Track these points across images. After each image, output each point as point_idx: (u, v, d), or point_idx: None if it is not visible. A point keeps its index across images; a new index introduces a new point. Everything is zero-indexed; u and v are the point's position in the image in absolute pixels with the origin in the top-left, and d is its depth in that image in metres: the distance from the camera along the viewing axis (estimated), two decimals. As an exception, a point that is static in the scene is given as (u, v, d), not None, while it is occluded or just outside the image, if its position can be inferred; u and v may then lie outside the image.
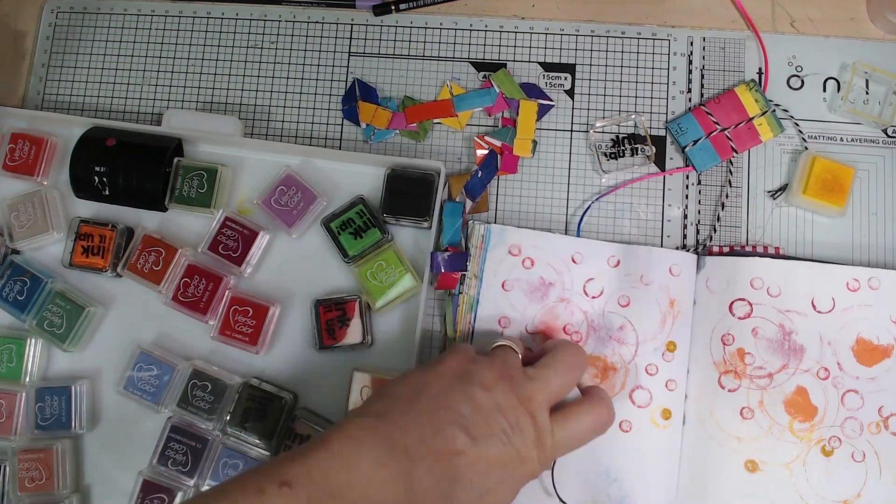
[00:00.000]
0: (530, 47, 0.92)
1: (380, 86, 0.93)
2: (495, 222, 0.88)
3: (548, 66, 0.92)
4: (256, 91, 0.93)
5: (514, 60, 0.92)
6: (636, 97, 0.91)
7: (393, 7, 0.93)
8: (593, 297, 0.84)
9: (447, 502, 0.66)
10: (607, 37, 0.92)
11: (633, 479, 0.80)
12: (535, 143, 0.90)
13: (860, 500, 0.79)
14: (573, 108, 0.91)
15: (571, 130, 0.90)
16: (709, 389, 0.81)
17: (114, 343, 0.88)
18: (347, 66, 0.93)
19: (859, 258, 0.86)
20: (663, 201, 0.88)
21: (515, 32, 0.93)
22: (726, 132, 0.87)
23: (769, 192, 0.87)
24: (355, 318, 0.84)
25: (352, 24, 0.94)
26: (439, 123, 0.91)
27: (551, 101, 0.91)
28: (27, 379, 0.87)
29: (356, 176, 0.89)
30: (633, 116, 0.90)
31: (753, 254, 0.84)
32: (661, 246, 0.87)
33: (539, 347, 0.81)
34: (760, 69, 0.90)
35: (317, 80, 0.93)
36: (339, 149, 0.91)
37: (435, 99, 0.92)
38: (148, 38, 0.96)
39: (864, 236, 0.86)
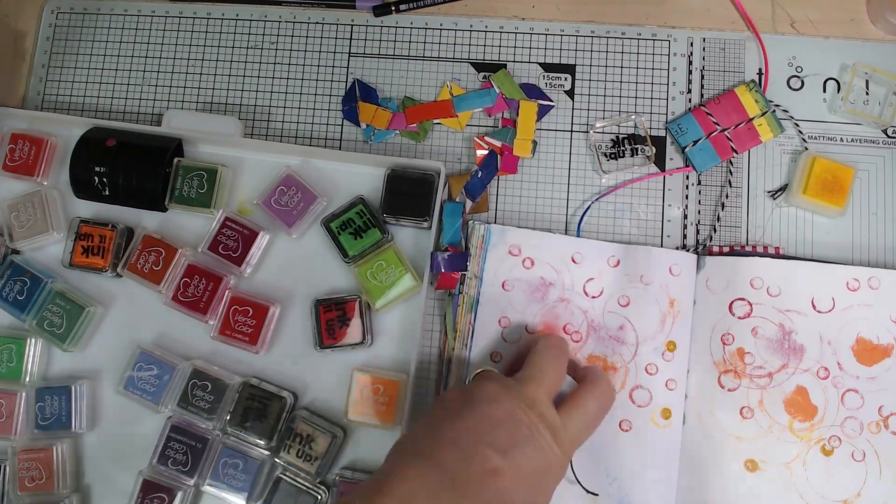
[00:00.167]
0: (530, 48, 0.92)
1: (380, 86, 0.93)
2: (495, 222, 0.88)
3: (548, 67, 0.92)
4: (256, 91, 0.93)
5: (514, 61, 0.92)
6: (636, 98, 0.91)
7: (393, 8, 0.93)
8: (593, 297, 0.84)
9: None
10: (607, 37, 0.92)
11: (633, 478, 0.80)
12: (535, 143, 0.90)
13: (860, 500, 0.79)
14: (573, 109, 0.91)
15: (571, 131, 0.90)
16: (709, 389, 0.81)
17: (114, 343, 0.88)
18: (347, 67, 0.93)
19: (859, 258, 0.86)
20: (663, 201, 0.88)
21: (515, 33, 0.93)
22: (726, 132, 0.87)
23: (769, 192, 0.87)
24: (355, 317, 0.84)
25: (352, 25, 0.94)
26: (439, 124, 0.91)
27: (551, 101, 0.91)
28: (27, 379, 0.87)
29: (356, 176, 0.89)
30: (633, 117, 0.90)
31: (753, 254, 0.84)
32: (661, 246, 0.87)
33: (513, 350, 0.82)
34: (760, 70, 0.90)
35: (317, 80, 0.93)
36: (339, 149, 0.91)
37: (435, 99, 0.92)
38: (148, 39, 0.96)
39: (864, 236, 0.86)
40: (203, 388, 0.83)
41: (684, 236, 0.87)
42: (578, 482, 0.79)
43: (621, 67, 0.92)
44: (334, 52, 0.94)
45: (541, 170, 0.89)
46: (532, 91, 0.91)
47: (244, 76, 0.94)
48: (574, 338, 0.84)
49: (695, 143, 0.88)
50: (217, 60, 0.95)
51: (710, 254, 0.85)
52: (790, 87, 0.90)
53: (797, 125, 0.88)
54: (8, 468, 0.84)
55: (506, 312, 0.84)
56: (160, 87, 0.94)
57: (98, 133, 0.89)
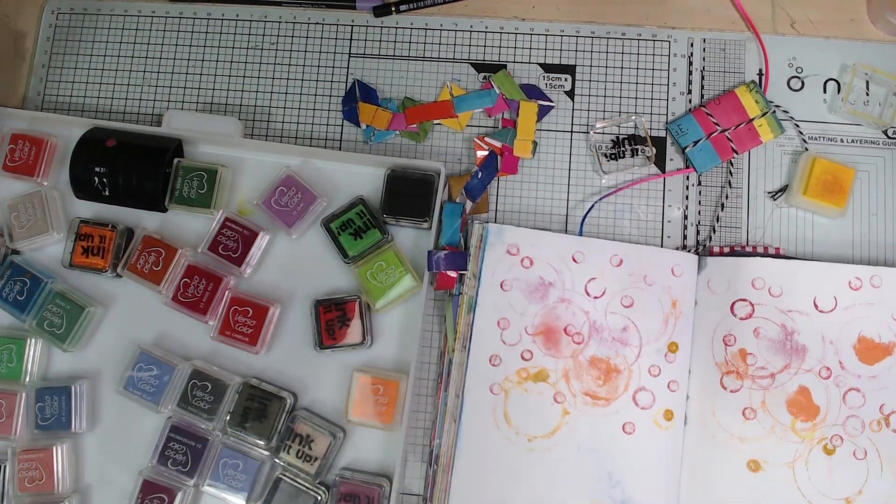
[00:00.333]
0: (530, 48, 0.92)
1: (380, 87, 0.93)
2: (495, 222, 0.87)
3: (548, 68, 0.92)
4: (256, 92, 0.94)
5: (514, 61, 0.92)
6: (636, 98, 0.91)
7: (393, 8, 0.93)
8: (595, 298, 0.84)
9: None
10: (607, 38, 0.92)
11: (636, 481, 0.80)
12: (535, 143, 0.90)
13: (862, 498, 0.79)
14: (573, 109, 0.91)
15: (571, 131, 0.90)
16: (711, 390, 0.81)
17: (114, 343, 0.88)
18: (347, 67, 0.93)
19: (860, 259, 0.86)
20: (663, 202, 0.88)
21: (516, 34, 0.93)
22: (726, 133, 0.87)
23: (769, 192, 0.87)
24: (355, 318, 0.84)
25: (352, 26, 0.94)
26: (439, 124, 0.91)
27: (551, 102, 0.91)
28: (27, 379, 0.87)
29: (356, 177, 0.89)
30: (633, 117, 0.90)
31: (754, 254, 0.84)
32: (662, 246, 0.87)
33: None
34: (761, 70, 0.90)
35: (317, 81, 0.93)
36: (339, 149, 0.91)
37: (435, 100, 0.92)
38: (148, 40, 0.96)
39: (864, 237, 0.86)
40: (203, 388, 0.83)
41: (684, 237, 0.87)
42: None
43: (621, 68, 0.92)
44: (334, 53, 0.94)
45: (541, 170, 0.89)
46: (532, 92, 0.91)
47: (244, 76, 0.94)
48: (575, 339, 0.83)
49: (695, 143, 0.88)
50: (217, 61, 0.95)
51: (711, 254, 0.85)
52: (790, 88, 0.90)
53: (797, 126, 0.88)
54: (8, 468, 0.84)
55: (504, 313, 0.84)
56: (160, 88, 0.94)
57: (98, 133, 0.89)
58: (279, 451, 0.82)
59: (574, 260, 0.85)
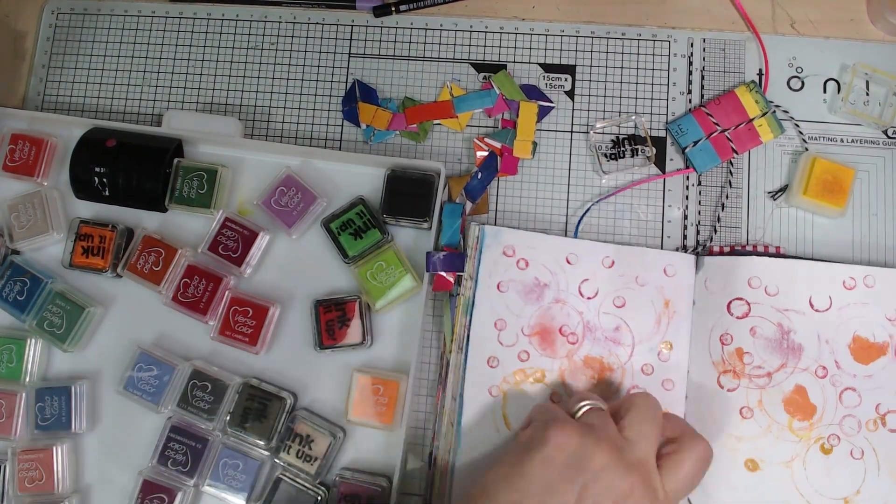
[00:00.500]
0: (530, 48, 0.92)
1: (380, 87, 0.93)
2: (495, 223, 0.87)
3: (548, 68, 0.92)
4: (256, 92, 0.94)
5: (514, 62, 0.92)
6: (636, 98, 0.91)
7: (393, 8, 0.93)
8: (588, 298, 0.84)
9: None
10: (607, 38, 0.92)
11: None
12: (535, 144, 0.90)
13: (859, 497, 0.79)
14: (573, 110, 0.91)
15: (571, 132, 0.90)
16: (708, 389, 0.81)
17: (114, 343, 0.88)
18: (347, 67, 0.93)
19: (859, 259, 0.86)
20: (663, 202, 0.88)
21: (516, 34, 0.93)
22: (726, 133, 0.87)
23: (769, 192, 0.87)
24: (355, 318, 0.84)
25: (352, 26, 0.94)
26: (439, 124, 0.91)
27: (551, 102, 0.91)
28: (27, 379, 0.87)
29: (356, 177, 0.89)
30: (634, 117, 0.90)
31: (753, 253, 0.84)
32: (662, 247, 0.87)
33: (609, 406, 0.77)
34: (760, 70, 0.90)
35: (317, 81, 0.93)
36: (339, 150, 0.91)
37: (435, 100, 0.92)
38: (148, 40, 0.96)
39: (864, 237, 0.86)
40: (203, 388, 0.83)
41: (684, 237, 0.87)
42: None
43: (621, 68, 0.92)
44: (334, 53, 0.94)
45: (541, 170, 0.89)
46: (532, 92, 0.91)
47: (244, 77, 0.94)
48: (570, 339, 0.83)
49: (695, 143, 0.87)
50: (217, 61, 0.95)
51: (711, 254, 0.85)
52: (790, 88, 0.90)
53: (797, 126, 0.88)
54: (8, 468, 0.84)
55: (501, 314, 0.84)
56: (160, 88, 0.95)
57: (98, 133, 0.89)
58: (279, 452, 0.82)
59: (568, 261, 0.85)
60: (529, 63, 0.92)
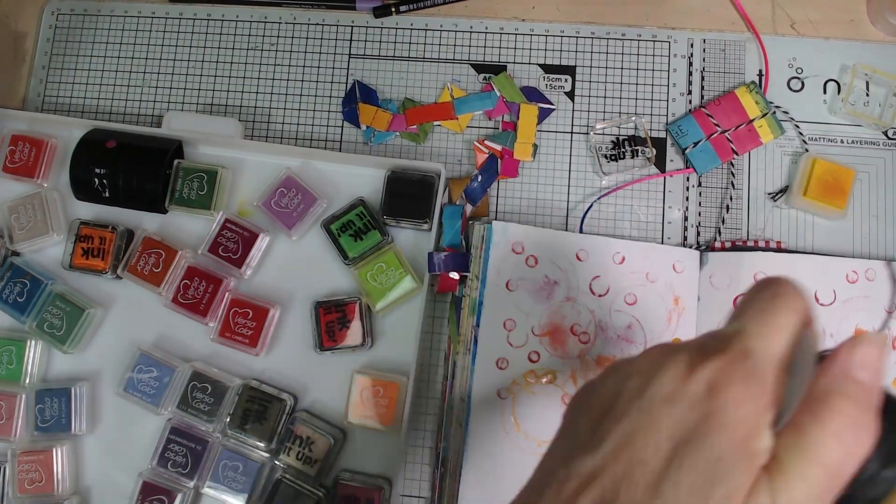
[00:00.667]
0: (530, 49, 0.92)
1: (380, 88, 0.93)
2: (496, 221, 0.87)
3: (548, 68, 0.92)
4: (256, 93, 0.93)
5: (514, 62, 0.92)
6: (636, 99, 0.91)
7: (393, 9, 0.93)
8: (600, 296, 0.84)
9: None
10: (607, 38, 0.92)
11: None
12: (535, 146, 0.89)
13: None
14: (573, 110, 0.91)
15: (572, 132, 0.90)
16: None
17: (114, 345, 0.88)
18: (347, 68, 0.93)
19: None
20: (663, 203, 0.88)
21: (516, 34, 0.93)
22: (727, 134, 0.87)
23: (770, 193, 0.87)
24: (355, 319, 0.84)
25: (352, 27, 0.94)
26: (439, 126, 0.91)
27: (552, 104, 0.91)
28: (27, 381, 0.87)
29: (356, 178, 0.89)
30: (634, 118, 0.90)
31: (756, 248, 0.84)
32: (662, 247, 0.87)
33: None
34: (761, 71, 0.90)
35: (317, 81, 0.93)
36: (340, 151, 0.91)
37: (435, 101, 0.92)
38: (148, 41, 0.96)
39: (864, 238, 0.86)
40: (203, 390, 0.83)
41: (685, 238, 0.87)
42: None
43: (621, 69, 0.91)
44: (334, 54, 0.94)
45: (541, 171, 0.89)
46: (533, 94, 0.91)
47: (244, 78, 0.94)
48: (582, 339, 0.83)
49: (695, 144, 0.87)
50: (217, 62, 0.95)
51: (713, 249, 0.85)
52: (790, 89, 0.90)
53: (797, 127, 0.88)
54: (8, 470, 0.84)
55: (511, 314, 0.84)
56: (160, 89, 0.95)
57: (98, 135, 0.89)
58: (279, 453, 0.82)
59: (578, 258, 0.84)
60: (529, 64, 0.92)
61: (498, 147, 0.89)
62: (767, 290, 0.50)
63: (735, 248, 0.85)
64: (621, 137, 0.89)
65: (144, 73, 0.95)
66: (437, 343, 0.86)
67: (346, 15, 0.95)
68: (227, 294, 0.85)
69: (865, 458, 0.43)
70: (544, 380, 0.83)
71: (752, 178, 0.88)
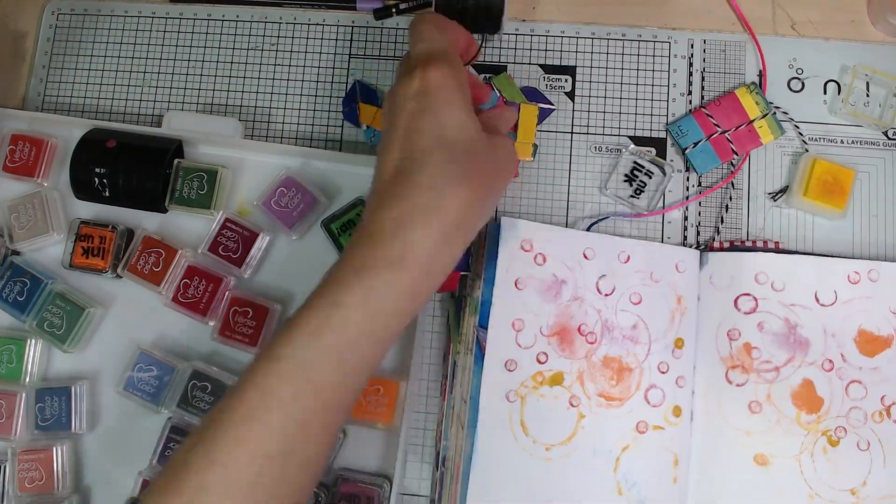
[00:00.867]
0: (531, 49, 0.92)
1: (381, 87, 0.93)
2: (496, 223, 0.87)
3: (548, 69, 0.92)
4: (257, 93, 0.93)
5: (514, 62, 0.92)
6: (636, 99, 0.91)
7: (394, 10, 0.93)
8: (606, 295, 0.83)
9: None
10: (608, 39, 0.92)
11: (650, 480, 0.80)
12: (535, 146, 0.89)
13: (866, 488, 0.79)
14: (573, 110, 0.91)
15: (572, 132, 0.90)
16: (716, 385, 0.81)
17: (114, 344, 0.88)
18: (348, 68, 0.93)
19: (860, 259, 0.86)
20: (664, 202, 0.88)
21: (516, 34, 0.93)
22: (727, 134, 0.87)
23: (770, 194, 0.87)
24: (355, 319, 0.84)
25: (352, 27, 0.94)
26: (440, 125, 0.91)
27: (552, 104, 0.91)
28: (27, 379, 0.87)
29: (356, 177, 0.89)
30: (624, 153, 0.89)
31: (754, 248, 0.85)
32: (662, 248, 0.87)
33: None
34: (760, 72, 0.90)
35: (317, 81, 0.93)
36: (340, 151, 0.91)
37: (435, 99, 0.91)
38: (148, 40, 0.96)
39: (864, 238, 0.86)
40: (203, 388, 0.83)
41: (684, 238, 0.87)
42: None
43: (622, 69, 0.92)
44: (335, 54, 0.94)
45: (541, 171, 0.89)
46: (533, 94, 0.91)
47: (244, 77, 0.94)
48: (589, 339, 0.83)
49: (695, 144, 0.88)
50: (217, 62, 0.95)
51: (712, 249, 0.85)
52: (790, 89, 0.90)
53: (797, 127, 0.88)
54: (8, 469, 0.84)
55: (519, 314, 0.83)
56: (160, 89, 0.94)
57: (98, 134, 0.89)
58: (279, 452, 0.82)
59: (585, 256, 0.84)
60: (529, 64, 0.92)
61: (498, 147, 0.89)
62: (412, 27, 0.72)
63: (734, 248, 0.85)
64: (631, 170, 0.89)
65: (144, 72, 0.95)
66: (436, 342, 0.86)
67: (346, 15, 0.95)
68: (227, 293, 0.85)
69: None
70: (549, 382, 0.82)
71: (751, 178, 0.88)
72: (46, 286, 0.87)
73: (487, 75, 0.92)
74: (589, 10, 0.93)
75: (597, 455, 0.80)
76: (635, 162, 0.88)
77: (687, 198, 0.88)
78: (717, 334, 0.82)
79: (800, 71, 0.90)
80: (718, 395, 0.81)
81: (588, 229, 0.87)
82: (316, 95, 0.93)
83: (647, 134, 0.90)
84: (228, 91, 0.94)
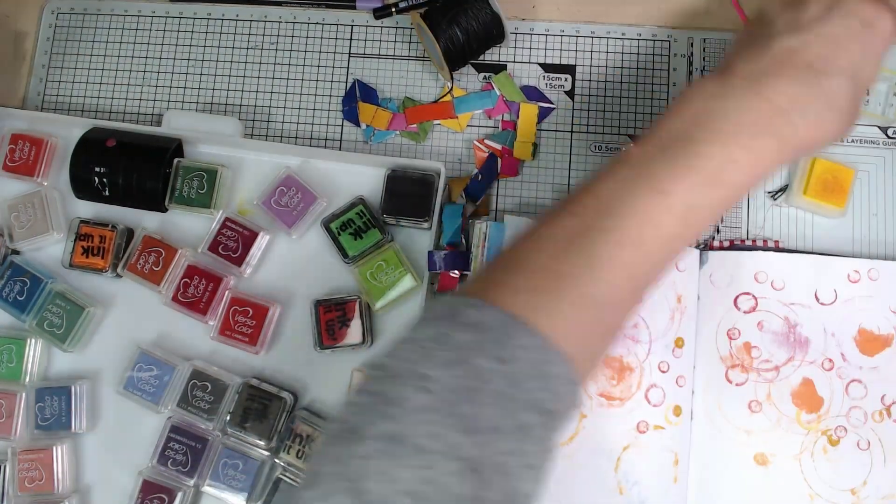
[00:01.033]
0: (530, 48, 0.92)
1: (380, 87, 0.93)
2: (495, 221, 0.87)
3: (548, 67, 0.92)
4: (256, 92, 0.94)
5: (514, 61, 0.92)
6: (636, 98, 0.91)
7: (393, 9, 0.93)
8: (607, 294, 0.83)
9: (812, 98, 0.63)
10: (607, 38, 0.92)
11: (651, 480, 0.80)
12: (535, 145, 0.89)
13: (866, 488, 0.79)
14: (573, 110, 0.91)
15: (571, 132, 0.90)
16: (716, 384, 0.81)
17: (114, 343, 0.88)
18: (348, 67, 0.93)
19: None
20: (664, 202, 0.88)
21: (516, 34, 0.93)
22: (726, 133, 0.87)
23: (769, 192, 0.87)
24: (355, 318, 0.84)
25: (352, 26, 0.94)
26: (439, 125, 0.91)
27: (552, 104, 0.91)
28: (27, 379, 0.87)
29: (356, 176, 0.89)
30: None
31: (754, 248, 0.85)
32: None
33: None
34: (760, 70, 0.90)
35: (317, 81, 0.93)
36: (339, 149, 0.91)
37: (435, 100, 0.92)
38: (148, 40, 0.96)
39: (864, 237, 0.86)
40: (203, 388, 0.83)
41: (684, 237, 0.87)
42: None
43: (621, 68, 0.92)
44: (334, 53, 0.94)
45: (541, 170, 0.89)
46: (532, 93, 0.91)
47: (244, 77, 0.94)
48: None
49: (695, 143, 0.87)
50: (217, 61, 0.95)
51: (711, 248, 0.85)
52: (790, 88, 0.90)
53: (797, 126, 0.88)
54: (8, 468, 0.84)
55: None
56: (160, 88, 0.95)
57: (98, 133, 0.89)
58: (279, 452, 0.82)
59: (587, 255, 0.84)
60: (529, 63, 0.92)
61: (498, 146, 0.89)
62: None
63: (734, 247, 0.85)
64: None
65: (144, 72, 0.95)
66: (436, 342, 0.86)
67: (346, 14, 0.95)
68: (227, 292, 0.85)
69: None
70: None
71: (751, 177, 0.88)
72: (46, 285, 0.87)
73: (487, 75, 0.92)
74: (588, 9, 0.93)
75: (598, 455, 0.80)
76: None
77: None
78: (716, 333, 0.82)
79: (800, 70, 0.90)
80: (718, 394, 0.81)
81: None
82: (316, 95, 0.93)
83: (646, 133, 0.90)
84: (228, 90, 0.94)
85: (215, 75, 0.94)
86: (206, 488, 0.83)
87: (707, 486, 0.80)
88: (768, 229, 0.86)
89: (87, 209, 0.90)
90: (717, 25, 0.92)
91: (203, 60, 0.95)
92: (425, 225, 0.86)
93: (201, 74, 0.94)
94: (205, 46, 0.95)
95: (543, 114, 0.90)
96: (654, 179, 0.60)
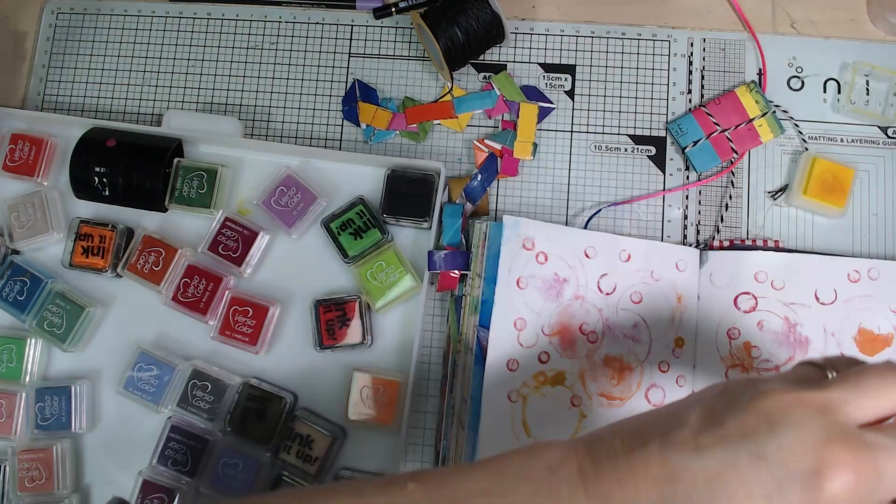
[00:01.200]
0: (531, 48, 0.92)
1: (380, 87, 0.93)
2: (495, 221, 0.87)
3: (548, 67, 0.92)
4: (256, 92, 0.93)
5: (514, 61, 0.92)
6: (636, 98, 0.91)
7: (393, 9, 0.93)
8: (607, 294, 0.83)
9: None
10: (607, 38, 0.92)
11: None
12: (535, 145, 0.89)
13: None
14: (573, 109, 0.91)
15: (571, 132, 0.90)
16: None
17: (114, 343, 0.88)
18: (347, 67, 0.93)
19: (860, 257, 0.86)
20: (663, 202, 0.88)
21: (516, 33, 0.93)
22: (727, 133, 0.87)
23: (769, 192, 0.87)
24: (355, 318, 0.84)
25: (352, 25, 0.94)
26: (439, 124, 0.91)
27: (552, 104, 0.91)
28: (27, 379, 0.87)
29: (356, 176, 0.89)
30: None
31: (754, 247, 0.85)
32: (662, 247, 0.87)
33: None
34: (760, 70, 0.90)
35: (317, 80, 0.93)
36: (339, 149, 0.91)
37: (435, 100, 0.92)
38: (148, 39, 0.96)
39: (864, 236, 0.86)
40: (203, 388, 0.83)
41: (684, 237, 0.87)
42: None
43: (621, 68, 0.92)
44: (334, 53, 0.94)
45: (541, 170, 0.89)
46: (532, 93, 0.91)
47: (244, 76, 0.94)
48: (590, 338, 0.83)
49: (695, 143, 0.88)
50: (217, 61, 0.95)
51: (711, 248, 0.85)
52: (790, 88, 0.90)
53: (797, 126, 0.88)
54: (8, 468, 0.84)
55: (521, 313, 0.83)
56: (160, 88, 0.95)
57: (98, 133, 0.89)
58: (279, 452, 0.82)
59: (586, 255, 0.84)
60: (529, 63, 0.92)
61: (498, 146, 0.89)
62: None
63: (734, 246, 0.85)
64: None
65: (144, 72, 0.95)
66: (437, 342, 0.86)
67: (346, 14, 0.95)
68: (227, 292, 0.85)
69: None
70: (551, 382, 0.82)
71: (751, 176, 0.88)
72: (46, 285, 0.87)
73: (487, 74, 0.92)
74: (588, 9, 0.93)
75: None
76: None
77: (687, 197, 0.88)
78: (716, 333, 0.82)
79: (799, 70, 0.90)
80: (718, 394, 0.81)
81: (586, 224, 0.87)
82: (316, 94, 0.93)
83: (646, 132, 0.90)
84: (228, 90, 0.94)
85: (215, 75, 0.94)
86: (206, 488, 0.83)
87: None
88: (768, 229, 0.86)
89: (87, 209, 0.90)
90: (717, 24, 0.92)
91: (203, 60, 0.95)
92: (425, 225, 0.86)
93: (201, 74, 0.94)
94: (205, 46, 0.95)
95: (543, 114, 0.90)
96: None
